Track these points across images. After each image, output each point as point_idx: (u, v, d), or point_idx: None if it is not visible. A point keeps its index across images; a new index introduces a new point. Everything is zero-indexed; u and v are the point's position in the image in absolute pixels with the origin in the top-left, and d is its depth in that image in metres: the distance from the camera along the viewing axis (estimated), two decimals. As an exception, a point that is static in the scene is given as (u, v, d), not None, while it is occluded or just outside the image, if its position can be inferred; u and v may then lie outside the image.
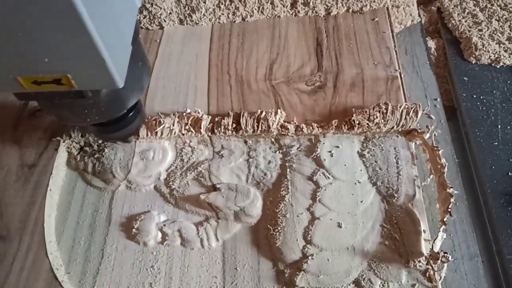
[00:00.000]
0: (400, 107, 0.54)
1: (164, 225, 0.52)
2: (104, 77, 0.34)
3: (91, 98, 0.40)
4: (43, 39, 0.31)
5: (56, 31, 0.30)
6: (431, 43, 0.68)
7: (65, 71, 0.34)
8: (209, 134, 0.57)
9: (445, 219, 0.48)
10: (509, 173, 0.54)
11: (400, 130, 0.55)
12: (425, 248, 0.48)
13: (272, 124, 0.55)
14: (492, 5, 0.70)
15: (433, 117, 0.59)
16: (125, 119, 0.48)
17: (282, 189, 0.53)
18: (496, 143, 0.57)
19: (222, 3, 0.68)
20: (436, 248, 0.47)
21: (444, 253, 0.46)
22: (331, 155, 0.54)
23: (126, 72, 0.37)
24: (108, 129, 0.49)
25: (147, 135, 0.57)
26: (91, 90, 0.39)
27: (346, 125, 0.55)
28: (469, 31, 0.67)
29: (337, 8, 0.67)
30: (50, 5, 0.28)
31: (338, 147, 0.55)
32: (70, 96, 0.38)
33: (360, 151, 0.55)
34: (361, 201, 0.51)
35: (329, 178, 0.53)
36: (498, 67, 0.64)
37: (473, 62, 0.65)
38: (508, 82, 0.62)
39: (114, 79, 0.35)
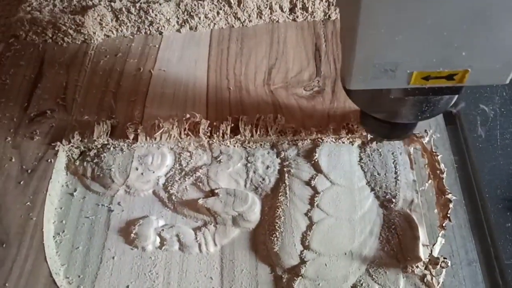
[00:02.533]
0: (398, 112, 0.54)
1: (163, 230, 0.52)
2: (504, 72, 0.33)
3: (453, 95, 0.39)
4: (484, 32, 0.30)
5: (508, 24, 0.29)
6: (430, 48, 0.68)
7: (470, 66, 0.33)
8: (208, 138, 0.57)
9: (444, 224, 0.48)
10: (508, 178, 0.54)
11: (398, 135, 0.55)
12: (423, 253, 0.48)
13: (271, 129, 0.55)
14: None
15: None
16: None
17: (280, 194, 0.53)
18: (495, 148, 0.57)
19: (221, 9, 0.69)
20: (435, 253, 0.47)
21: (444, 258, 0.46)
22: (329, 160, 0.54)
23: None
24: (407, 127, 0.48)
25: (145, 139, 0.57)
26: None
27: (344, 130, 0.55)
28: (468, 36, 0.67)
29: (336, 13, 0.67)
30: None
31: (336, 152, 0.55)
32: (445, 92, 0.37)
33: (358, 156, 0.55)
34: (359, 206, 0.51)
35: (327, 183, 0.53)
36: (497, 71, 0.64)
37: (472, 67, 0.65)
38: (507, 87, 0.62)
39: (509, 74, 0.34)
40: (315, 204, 0.51)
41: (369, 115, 0.47)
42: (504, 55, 0.32)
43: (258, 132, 0.55)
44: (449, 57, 0.32)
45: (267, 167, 0.55)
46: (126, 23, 0.71)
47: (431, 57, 0.33)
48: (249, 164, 0.55)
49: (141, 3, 0.70)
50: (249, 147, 0.57)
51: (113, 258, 0.51)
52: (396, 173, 0.53)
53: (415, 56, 0.33)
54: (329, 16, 0.67)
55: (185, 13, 0.69)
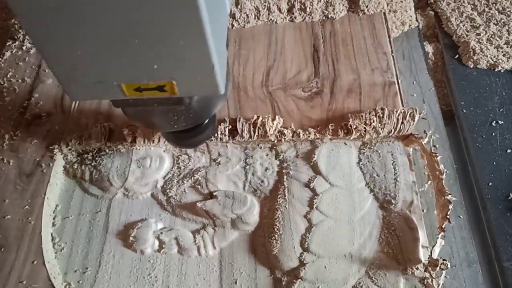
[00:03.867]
0: (396, 111, 0.54)
1: (161, 233, 0.52)
2: (209, 83, 0.34)
3: (185, 105, 0.39)
4: (159, 45, 0.31)
5: (174, 36, 0.30)
6: (429, 48, 0.68)
7: (172, 78, 0.34)
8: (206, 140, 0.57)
9: (443, 226, 0.48)
10: (508, 179, 0.54)
11: (397, 135, 0.55)
12: (423, 255, 0.48)
13: (269, 130, 0.55)
14: (490, 9, 0.70)
15: (429, 118, 0.59)
16: (202, 124, 0.48)
17: (279, 196, 0.52)
18: (495, 148, 0.57)
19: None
20: (435, 255, 0.47)
21: (443, 260, 0.46)
22: (328, 162, 0.54)
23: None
24: (188, 135, 0.48)
25: (144, 142, 0.57)
26: (189, 96, 0.38)
27: (342, 130, 0.55)
28: (467, 35, 0.67)
29: (334, 13, 0.67)
30: (173, 11, 0.28)
31: (335, 153, 0.55)
32: (169, 103, 0.38)
33: (357, 157, 0.55)
34: (359, 208, 0.51)
35: (326, 184, 0.53)
36: (496, 71, 0.64)
37: (471, 67, 0.64)
38: (507, 86, 0.62)
39: (218, 86, 0.35)
40: (314, 206, 0.51)
41: None
42: (197, 69, 0.33)
43: (257, 134, 0.55)
44: (144, 70, 0.33)
45: (266, 169, 0.55)
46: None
47: (128, 70, 0.33)
48: (247, 166, 0.55)
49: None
50: (248, 149, 0.56)
51: (112, 261, 0.51)
52: (395, 174, 0.53)
53: (111, 69, 0.33)
54: (327, 17, 0.67)
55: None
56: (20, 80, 0.65)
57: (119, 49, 0.31)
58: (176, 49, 0.31)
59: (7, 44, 0.70)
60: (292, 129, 0.56)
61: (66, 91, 0.36)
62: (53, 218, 0.54)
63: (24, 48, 0.69)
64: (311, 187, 0.52)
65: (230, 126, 0.56)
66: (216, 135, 0.56)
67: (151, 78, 0.34)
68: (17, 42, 0.70)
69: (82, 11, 0.28)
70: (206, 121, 0.47)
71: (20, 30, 0.70)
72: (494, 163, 0.55)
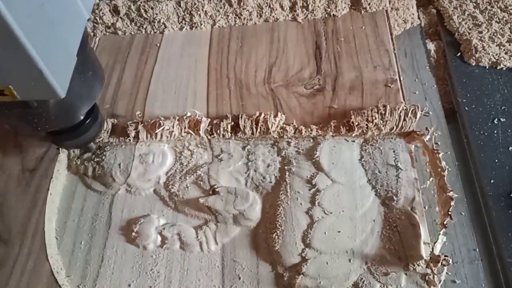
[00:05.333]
0: (398, 108, 0.54)
1: (164, 228, 0.52)
2: (44, 88, 0.36)
3: (39, 108, 0.41)
4: None
5: None
6: (431, 46, 0.68)
7: (6, 83, 0.35)
8: (208, 136, 0.57)
9: (445, 222, 0.48)
10: (510, 176, 0.54)
11: (399, 132, 0.55)
12: (424, 251, 0.48)
13: (271, 126, 0.55)
14: (492, 7, 0.70)
15: (431, 115, 0.59)
16: (80, 127, 0.50)
17: (281, 192, 0.53)
18: (497, 146, 0.57)
19: (221, 7, 0.68)
20: (437, 251, 0.47)
21: (445, 256, 0.46)
22: (330, 158, 0.54)
23: (69, 82, 0.39)
24: (63, 137, 0.51)
25: (147, 137, 0.57)
26: (36, 100, 0.40)
27: (344, 127, 0.55)
28: (469, 33, 0.67)
29: (336, 11, 0.67)
30: None
31: (337, 150, 0.55)
32: (16, 106, 0.40)
33: (359, 154, 0.55)
34: (361, 204, 0.51)
35: (328, 181, 0.53)
36: (498, 69, 0.64)
37: (473, 65, 0.65)
38: (508, 84, 0.62)
39: (54, 90, 0.36)
40: (316, 202, 0.51)
41: None
42: (26, 74, 0.34)
43: (259, 130, 0.55)
44: None
45: (268, 165, 0.55)
46: (127, 22, 0.71)
47: None
48: (250, 163, 0.55)
49: (141, 2, 0.70)
50: (250, 145, 0.57)
51: (115, 257, 0.51)
52: (397, 171, 0.53)
53: None
54: (330, 14, 0.67)
55: (186, 12, 0.69)
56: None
57: None
58: (2, 57, 0.32)
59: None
60: (294, 125, 0.56)
61: None
62: (56, 214, 0.54)
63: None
64: (313, 183, 0.53)
65: (233, 123, 0.56)
66: (218, 131, 0.56)
67: None
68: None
69: None
70: (88, 121, 0.50)
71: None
72: (496, 160, 0.56)
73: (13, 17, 0.30)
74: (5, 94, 0.36)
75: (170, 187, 0.54)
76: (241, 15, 0.68)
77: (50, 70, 0.35)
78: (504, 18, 0.68)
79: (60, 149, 0.57)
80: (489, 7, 0.70)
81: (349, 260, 0.48)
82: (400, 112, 0.54)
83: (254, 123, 0.56)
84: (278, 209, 0.51)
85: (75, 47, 0.40)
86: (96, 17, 0.70)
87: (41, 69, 0.34)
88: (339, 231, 0.50)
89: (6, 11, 0.30)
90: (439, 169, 0.51)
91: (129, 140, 0.57)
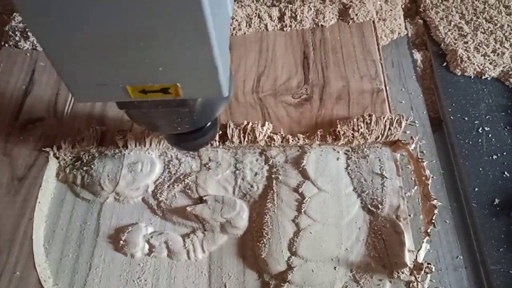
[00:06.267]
0: (384, 117, 0.55)
1: (151, 236, 0.52)
2: (213, 85, 0.35)
3: (187, 107, 0.40)
4: (165, 48, 0.31)
5: (179, 39, 0.30)
6: (418, 56, 0.69)
7: (176, 80, 0.34)
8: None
9: (429, 230, 0.49)
10: (494, 184, 0.55)
11: (384, 141, 0.56)
12: (409, 259, 0.48)
13: (259, 135, 0.56)
14: (478, 18, 0.71)
15: (417, 124, 0.60)
16: (204, 128, 0.48)
17: (268, 200, 0.53)
18: (481, 154, 0.58)
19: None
20: (420, 259, 0.48)
21: (428, 263, 0.46)
22: (317, 167, 0.55)
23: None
24: (188, 138, 0.48)
25: (135, 145, 0.58)
26: (193, 99, 0.39)
27: (331, 136, 0.55)
28: (455, 43, 0.68)
29: (324, 21, 0.68)
30: (178, 15, 0.29)
31: (324, 159, 0.56)
32: (173, 105, 0.39)
33: (345, 162, 0.56)
34: (346, 212, 0.52)
35: (314, 189, 0.53)
36: (483, 79, 0.65)
37: (459, 74, 0.66)
38: (493, 94, 0.63)
39: (221, 88, 0.35)
40: (303, 210, 0.52)
41: None
42: (201, 71, 0.33)
43: (247, 139, 0.56)
44: (150, 73, 0.33)
45: (256, 174, 0.56)
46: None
47: (133, 72, 0.33)
48: (237, 171, 0.56)
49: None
50: (238, 154, 0.57)
51: (102, 265, 0.51)
52: (382, 179, 0.54)
53: (115, 71, 0.33)
54: (318, 25, 0.68)
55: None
56: (14, 85, 0.66)
57: (125, 52, 0.31)
58: (181, 52, 0.31)
59: (1, 49, 0.71)
60: (282, 134, 0.56)
61: (71, 92, 0.36)
62: (45, 222, 0.54)
63: (18, 53, 0.70)
64: (300, 191, 0.53)
65: (221, 132, 0.57)
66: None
67: (156, 81, 0.34)
68: (11, 47, 0.70)
69: (87, 15, 0.29)
70: (209, 124, 0.48)
71: (13, 35, 0.71)
72: (480, 169, 0.56)
73: (210, 14, 0.29)
74: (169, 92, 0.35)
75: (158, 195, 0.55)
76: (231, 24, 0.69)
77: (222, 67, 0.33)
78: (489, 29, 0.69)
79: (49, 157, 0.57)
80: (474, 18, 0.71)
81: (335, 267, 0.49)
82: (386, 121, 0.55)
83: (242, 132, 0.56)
84: (265, 217, 0.52)
85: (229, 43, 0.39)
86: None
87: (217, 66, 0.33)
88: (325, 239, 0.50)
89: (208, 7, 0.29)
90: (424, 178, 0.52)
91: (118, 148, 0.58)
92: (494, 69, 0.65)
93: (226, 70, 0.36)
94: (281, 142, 0.56)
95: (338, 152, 0.56)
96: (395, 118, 0.55)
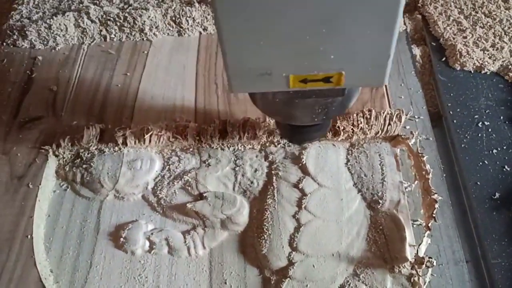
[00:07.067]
0: (383, 112, 0.55)
1: (152, 233, 0.52)
2: (378, 74, 0.34)
3: (339, 97, 0.39)
4: (345, 34, 0.30)
5: (364, 24, 0.30)
6: (417, 51, 0.69)
7: (343, 68, 0.33)
8: (196, 141, 0.57)
9: (429, 224, 0.49)
10: (494, 179, 0.55)
11: (384, 136, 0.56)
12: (410, 253, 0.48)
13: (259, 131, 0.56)
14: (477, 12, 0.71)
15: (417, 119, 0.60)
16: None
17: (268, 196, 0.53)
18: (481, 149, 0.57)
19: (209, 14, 0.69)
20: (421, 253, 0.48)
21: (429, 257, 0.46)
22: (317, 163, 0.55)
23: None
24: (312, 129, 0.48)
25: (134, 143, 0.57)
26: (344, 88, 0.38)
27: (330, 131, 0.55)
28: (454, 38, 0.68)
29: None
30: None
31: (324, 154, 0.56)
32: (329, 94, 0.38)
33: (345, 158, 0.56)
34: (347, 208, 0.52)
35: (314, 185, 0.53)
36: (482, 73, 0.65)
37: (458, 69, 0.66)
38: (492, 88, 0.63)
39: (384, 77, 0.34)
40: (303, 206, 0.52)
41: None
42: (372, 59, 0.33)
43: (246, 135, 0.56)
44: (319, 61, 0.33)
45: (255, 170, 0.56)
46: (115, 30, 0.71)
47: (301, 60, 0.33)
48: (237, 168, 0.56)
49: (129, 9, 0.70)
50: (238, 150, 0.57)
51: (103, 262, 0.51)
52: (382, 174, 0.54)
53: (285, 60, 0.33)
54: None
55: (174, 19, 0.70)
56: (12, 83, 0.66)
57: (304, 39, 0.31)
58: (360, 38, 0.31)
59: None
60: (281, 130, 0.56)
61: (229, 82, 0.35)
62: (45, 220, 0.54)
63: (16, 51, 0.70)
64: (300, 187, 0.53)
65: (220, 127, 0.57)
66: (206, 136, 0.57)
67: (321, 69, 0.33)
68: (9, 46, 0.70)
69: (273, 6, 0.28)
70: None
71: (11, 33, 0.71)
72: (480, 163, 0.56)
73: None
74: (330, 82, 0.34)
75: (158, 192, 0.55)
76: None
77: (392, 56, 0.33)
78: (488, 24, 0.69)
79: (49, 156, 0.57)
80: (473, 13, 0.71)
81: (336, 263, 0.48)
82: (385, 116, 0.55)
83: (241, 128, 0.56)
84: (265, 213, 0.52)
85: None
86: (85, 25, 0.70)
87: (390, 54, 0.32)
88: (325, 235, 0.50)
89: None
90: (424, 172, 0.52)
91: (117, 146, 0.57)
92: (493, 63, 0.65)
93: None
94: (281, 138, 0.56)
95: (338, 147, 0.56)
96: (394, 113, 0.55)
